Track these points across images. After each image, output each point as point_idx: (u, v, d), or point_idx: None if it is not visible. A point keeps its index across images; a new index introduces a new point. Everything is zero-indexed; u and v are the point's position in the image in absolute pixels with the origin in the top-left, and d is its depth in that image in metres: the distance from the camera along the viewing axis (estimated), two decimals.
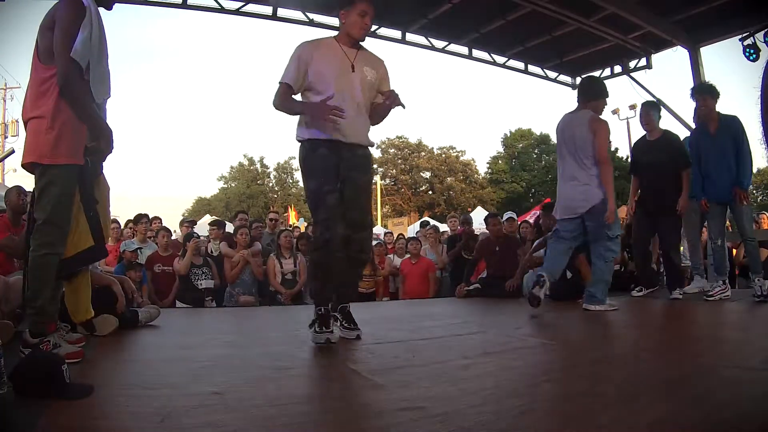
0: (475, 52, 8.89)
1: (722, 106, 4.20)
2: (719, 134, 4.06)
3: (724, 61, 8.32)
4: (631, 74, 8.94)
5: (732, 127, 4.03)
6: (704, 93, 4.16)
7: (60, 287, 2.36)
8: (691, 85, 7.93)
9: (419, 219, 17.63)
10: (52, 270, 2.18)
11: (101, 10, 2.32)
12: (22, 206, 3.37)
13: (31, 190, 2.30)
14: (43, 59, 2.18)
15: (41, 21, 2.22)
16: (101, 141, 2.27)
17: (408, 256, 6.19)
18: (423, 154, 35.54)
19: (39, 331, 2.12)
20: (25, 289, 2.21)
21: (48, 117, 2.14)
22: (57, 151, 2.15)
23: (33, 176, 2.24)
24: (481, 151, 71.13)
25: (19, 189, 3.41)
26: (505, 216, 6.30)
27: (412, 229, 12.51)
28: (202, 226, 8.77)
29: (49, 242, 2.17)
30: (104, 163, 2.48)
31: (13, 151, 6.19)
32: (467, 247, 6.16)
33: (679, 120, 6.83)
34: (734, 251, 5.77)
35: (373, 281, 5.96)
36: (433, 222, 10.43)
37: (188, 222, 6.73)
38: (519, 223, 7.25)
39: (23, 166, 2.24)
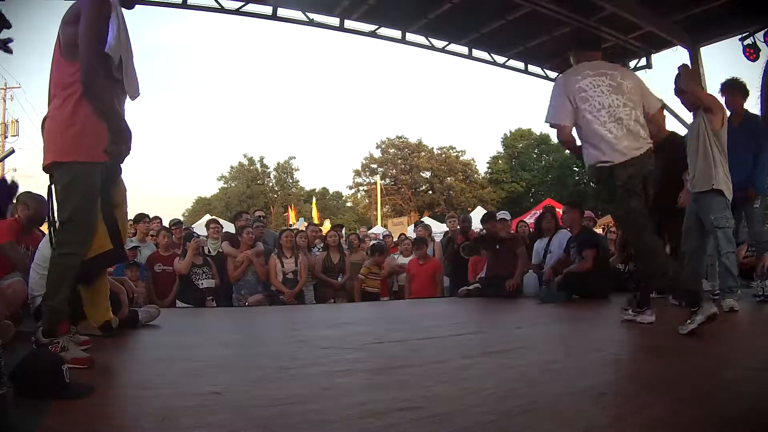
0: (475, 52, 8.90)
1: None
2: (741, 129, 3.95)
3: (724, 61, 8.30)
4: None
5: (755, 124, 3.91)
6: (732, 89, 4.05)
7: (75, 289, 2.32)
8: None
9: (419, 218, 17.62)
10: (71, 270, 2.13)
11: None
12: (41, 217, 3.13)
13: (50, 189, 2.20)
14: (66, 55, 2.11)
15: (63, 16, 2.15)
16: (120, 142, 2.20)
17: (414, 256, 6.17)
18: (423, 154, 35.54)
19: (51, 330, 2.08)
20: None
21: (68, 114, 2.08)
22: (79, 147, 2.09)
23: (42, 178, 2.19)
24: (481, 150, 71.13)
25: (42, 198, 3.28)
26: (498, 216, 6.20)
27: (412, 229, 12.51)
28: (202, 227, 8.77)
29: (70, 241, 2.12)
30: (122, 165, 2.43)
31: (12, 151, 6.18)
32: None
33: (679, 120, 6.83)
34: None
35: (380, 280, 5.97)
36: (426, 221, 10.43)
37: (175, 224, 6.70)
38: (518, 222, 7.27)
39: (44, 168, 2.17)
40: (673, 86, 3.81)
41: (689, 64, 7.87)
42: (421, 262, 5.98)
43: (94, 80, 2.07)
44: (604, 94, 2.70)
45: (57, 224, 2.15)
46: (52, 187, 2.17)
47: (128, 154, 2.29)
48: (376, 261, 5.97)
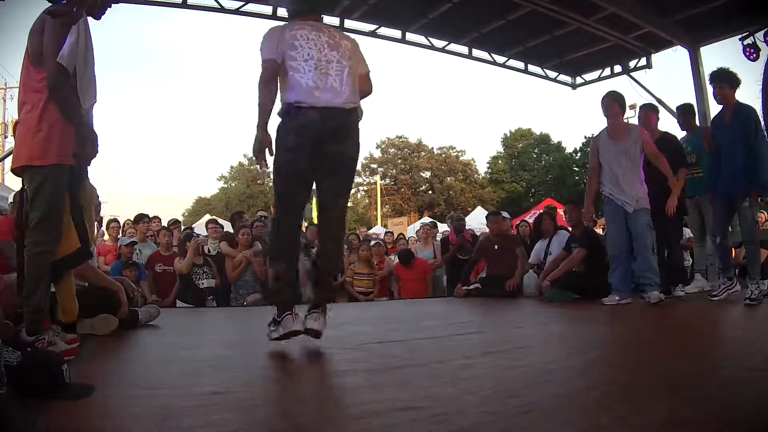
0: (475, 52, 8.90)
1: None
2: (732, 123, 3.89)
3: (724, 61, 8.27)
4: (631, 74, 8.94)
5: (744, 116, 3.83)
6: (720, 80, 3.97)
7: (50, 288, 2.36)
8: (691, 85, 7.96)
9: (419, 219, 17.62)
10: (46, 268, 2.21)
11: (90, 19, 2.34)
12: None
13: (22, 191, 2.31)
14: (33, 63, 2.21)
15: (32, 25, 2.23)
16: (87, 145, 2.29)
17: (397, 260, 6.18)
18: (423, 153, 35.51)
19: (34, 328, 2.14)
20: (21, 288, 2.22)
21: (35, 119, 2.17)
22: (47, 151, 2.17)
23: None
24: (481, 150, 71.06)
25: None
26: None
27: (412, 229, 12.54)
28: (202, 226, 8.77)
29: (44, 241, 2.20)
30: (89, 167, 2.50)
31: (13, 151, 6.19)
32: (462, 248, 6.15)
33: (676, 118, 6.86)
34: (733, 251, 5.75)
35: (371, 281, 5.95)
36: (429, 220, 10.44)
37: (173, 223, 6.72)
38: (518, 222, 7.27)
39: (13, 170, 2.27)
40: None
41: (689, 64, 7.93)
42: (407, 265, 5.99)
43: (60, 87, 2.15)
44: (316, 48, 2.37)
45: (30, 225, 2.21)
46: (26, 189, 2.25)
47: (94, 156, 2.37)
48: (361, 259, 5.94)
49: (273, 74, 2.33)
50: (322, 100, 2.28)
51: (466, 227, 7.00)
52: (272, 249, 2.57)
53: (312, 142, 2.25)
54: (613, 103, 4.16)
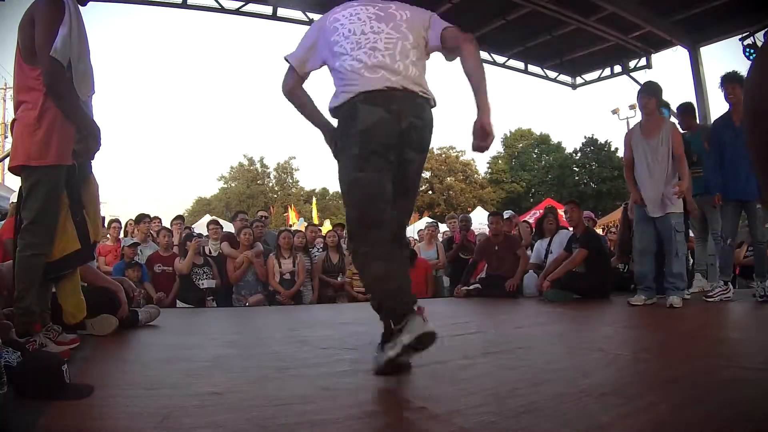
0: None
1: (721, 105, 4.17)
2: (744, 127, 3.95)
3: (724, 61, 8.32)
4: (631, 74, 8.96)
5: None
6: (733, 81, 3.96)
7: (49, 289, 2.34)
8: (691, 85, 7.97)
9: (419, 219, 17.60)
10: (38, 270, 2.17)
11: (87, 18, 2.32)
12: None
13: (18, 191, 2.28)
14: (26, 59, 2.15)
15: (20, 19, 2.18)
16: (89, 140, 2.26)
17: None
18: None
19: (25, 330, 2.11)
20: (14, 284, 2.19)
21: (34, 117, 2.12)
22: (45, 151, 2.13)
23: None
24: None
25: None
26: (505, 215, 6.31)
27: (412, 229, 12.53)
28: (202, 226, 8.77)
29: (36, 243, 2.16)
30: (93, 162, 2.47)
31: None
32: (465, 248, 6.16)
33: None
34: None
35: None
36: (430, 220, 10.45)
37: (179, 219, 6.73)
38: (520, 222, 7.27)
39: (10, 169, 2.22)
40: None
41: (689, 64, 7.93)
42: (410, 265, 5.99)
43: (57, 82, 2.10)
44: (360, 21, 1.97)
45: (22, 225, 2.18)
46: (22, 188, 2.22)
47: (97, 150, 2.34)
48: None
49: (291, 86, 2.00)
50: (376, 82, 1.84)
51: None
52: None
53: (383, 146, 1.83)
54: (651, 98, 3.96)
